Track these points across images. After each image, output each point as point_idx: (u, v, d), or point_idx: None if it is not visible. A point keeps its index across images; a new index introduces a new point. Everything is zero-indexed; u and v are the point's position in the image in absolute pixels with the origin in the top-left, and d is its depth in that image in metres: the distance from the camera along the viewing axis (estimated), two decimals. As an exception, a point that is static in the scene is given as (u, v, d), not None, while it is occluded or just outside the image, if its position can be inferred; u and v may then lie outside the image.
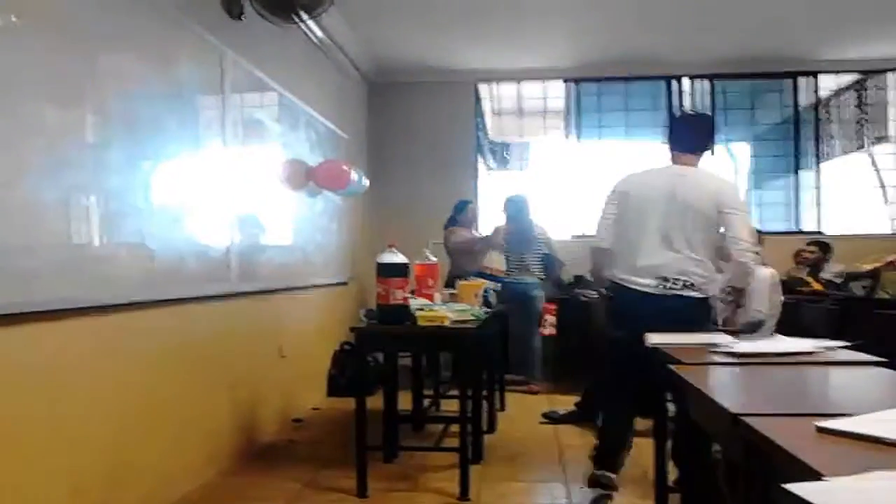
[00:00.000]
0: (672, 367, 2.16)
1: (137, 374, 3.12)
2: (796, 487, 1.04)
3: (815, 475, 1.10)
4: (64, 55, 2.62)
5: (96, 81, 2.82)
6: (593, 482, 3.33)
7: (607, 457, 3.37)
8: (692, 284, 3.28)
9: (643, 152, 7.83)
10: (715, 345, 2.59)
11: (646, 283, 3.32)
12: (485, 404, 4.49)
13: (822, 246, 6.50)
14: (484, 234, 6.54)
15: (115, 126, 2.93)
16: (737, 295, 3.71)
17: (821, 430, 1.35)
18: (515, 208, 6.17)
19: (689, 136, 3.51)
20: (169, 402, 3.38)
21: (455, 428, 3.95)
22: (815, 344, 2.50)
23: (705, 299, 3.36)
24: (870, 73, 7.59)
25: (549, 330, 6.51)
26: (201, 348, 3.71)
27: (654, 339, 2.85)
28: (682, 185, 3.33)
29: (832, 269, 6.29)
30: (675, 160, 3.47)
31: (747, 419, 1.44)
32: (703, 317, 3.36)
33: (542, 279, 6.11)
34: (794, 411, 1.54)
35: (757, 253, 3.42)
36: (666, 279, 3.29)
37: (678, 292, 3.29)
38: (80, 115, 2.73)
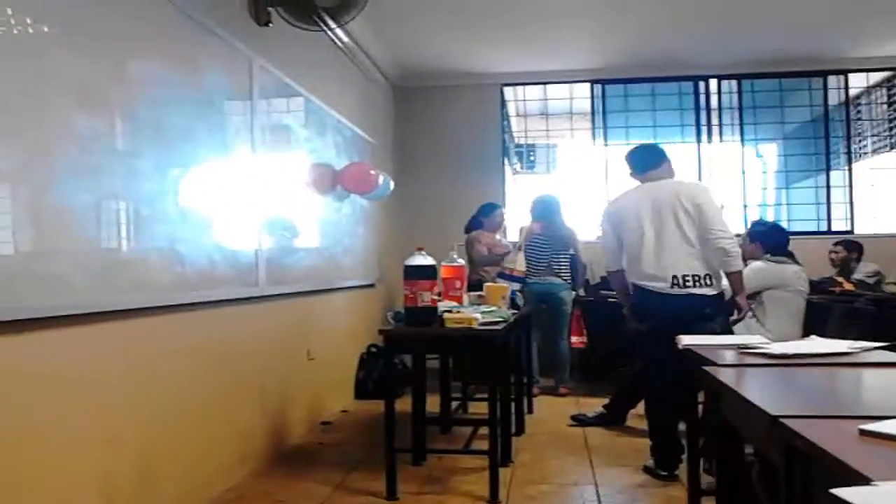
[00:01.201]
0: (706, 368, 2.13)
1: (168, 376, 3.14)
2: (846, 492, 1.02)
3: (862, 479, 1.08)
4: (93, 63, 2.64)
5: (126, 88, 2.84)
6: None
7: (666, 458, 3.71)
8: (702, 280, 3.61)
9: (671, 154, 7.80)
10: (748, 346, 2.56)
11: (660, 286, 3.65)
12: (513, 406, 4.46)
13: (849, 245, 6.40)
14: (510, 240, 6.51)
15: (144, 132, 2.95)
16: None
17: (864, 432, 1.32)
18: (543, 209, 6.13)
19: (646, 159, 4.00)
20: (200, 404, 3.40)
21: (484, 430, 3.93)
22: (851, 345, 2.47)
23: (719, 294, 3.69)
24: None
25: (578, 340, 6.40)
26: (231, 351, 3.74)
27: (686, 340, 2.82)
28: (660, 191, 3.76)
29: (864, 270, 6.19)
30: (644, 180, 3.91)
31: (787, 421, 1.41)
32: (720, 311, 3.69)
33: (567, 281, 6.05)
34: (834, 413, 1.52)
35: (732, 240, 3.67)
36: (676, 277, 3.61)
37: (692, 291, 3.61)
38: (109, 122, 2.75)
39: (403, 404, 4.20)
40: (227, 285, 3.61)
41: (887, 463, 1.16)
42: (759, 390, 1.86)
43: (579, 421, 4.95)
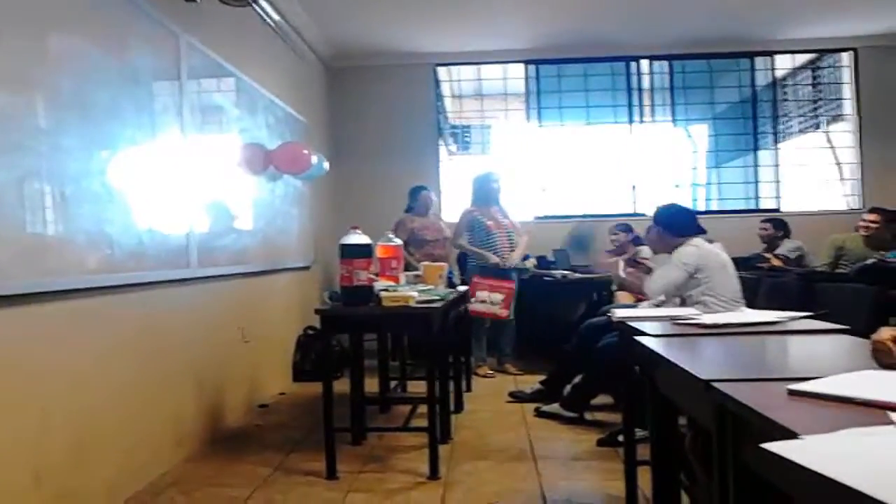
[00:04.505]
0: (639, 338, 2.17)
1: (98, 360, 3.05)
2: (774, 446, 1.05)
3: (790, 435, 1.11)
4: (11, 38, 2.53)
5: (47, 64, 2.74)
6: None
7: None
8: None
9: (602, 134, 7.92)
10: (679, 317, 2.62)
11: None
12: (451, 384, 4.48)
13: (776, 223, 6.59)
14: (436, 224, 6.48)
15: (68, 111, 2.85)
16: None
17: (792, 392, 1.36)
18: (483, 186, 6.13)
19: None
20: (132, 388, 3.32)
21: (423, 409, 3.94)
22: (779, 314, 2.54)
23: None
24: (824, 52, 7.70)
25: (500, 310, 5.94)
26: (164, 334, 3.66)
27: (619, 312, 2.87)
28: None
29: (788, 246, 6.39)
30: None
31: (718, 385, 1.45)
32: None
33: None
34: (763, 376, 1.56)
35: None
36: None
37: None
38: (30, 99, 2.65)
39: (342, 385, 4.18)
40: (156, 267, 3.52)
41: (813, 419, 1.20)
42: (691, 358, 1.90)
43: (518, 398, 5.00)
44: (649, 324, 2.50)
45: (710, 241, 3.99)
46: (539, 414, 4.59)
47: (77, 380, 2.90)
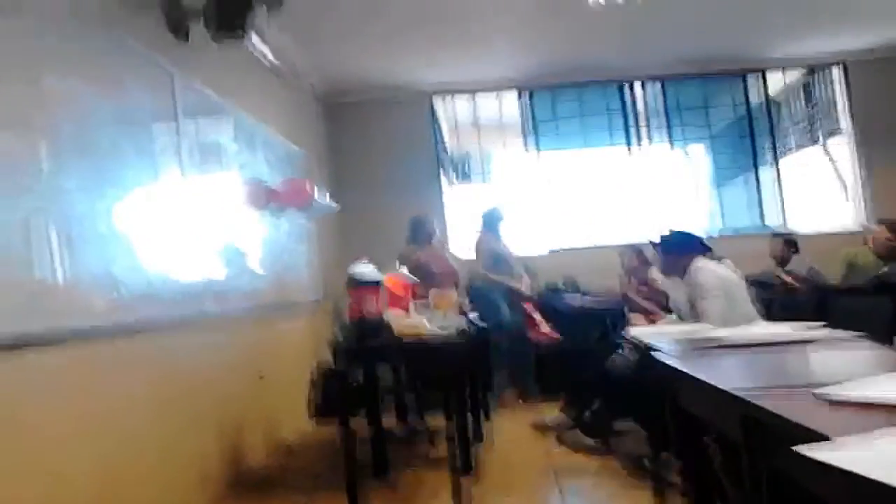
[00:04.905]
0: (657, 354, 2.17)
1: (113, 405, 3.04)
2: (808, 449, 1.05)
3: (822, 438, 1.11)
4: (10, 82, 2.57)
5: (46, 108, 2.77)
6: None
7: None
8: None
9: (601, 159, 7.95)
10: (696, 334, 2.62)
11: None
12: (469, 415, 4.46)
13: (786, 240, 6.58)
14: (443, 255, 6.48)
15: (68, 153, 2.86)
16: None
17: (818, 396, 1.37)
18: (493, 218, 6.18)
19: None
20: (150, 433, 3.30)
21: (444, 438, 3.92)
22: (794, 326, 2.54)
23: None
24: (814, 67, 7.76)
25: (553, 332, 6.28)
26: (179, 377, 3.65)
27: (633, 331, 2.87)
28: None
29: (800, 263, 6.38)
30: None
31: (743, 394, 1.45)
32: None
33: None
34: (787, 384, 1.57)
35: None
36: None
37: None
38: (31, 142, 2.67)
39: (360, 420, 4.16)
40: (167, 307, 3.52)
41: (844, 422, 1.20)
42: (713, 371, 1.90)
43: (538, 426, 4.96)
44: (666, 341, 2.50)
45: (720, 259, 4.01)
46: (561, 441, 4.56)
47: (91, 429, 2.87)
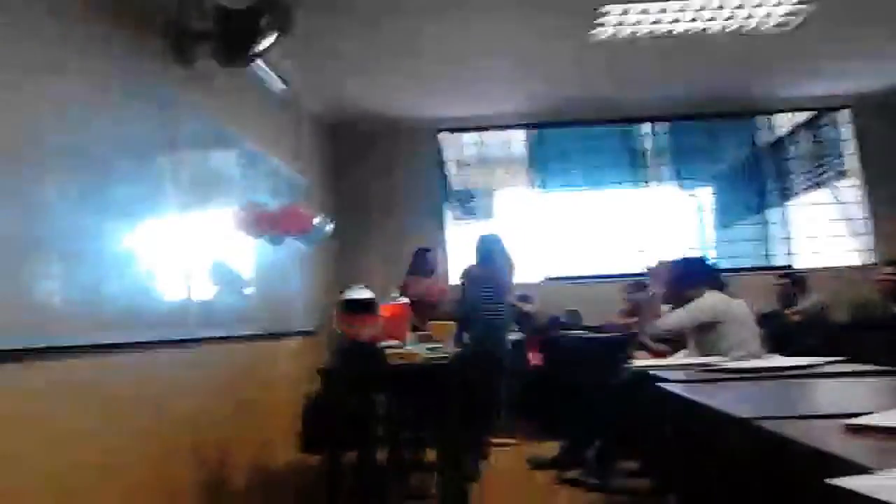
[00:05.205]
0: (668, 385, 2.01)
1: (86, 426, 2.87)
2: (849, 482, 0.91)
3: (857, 469, 0.97)
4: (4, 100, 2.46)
5: (40, 124, 2.66)
6: None
7: None
8: None
9: (607, 197, 7.85)
10: (706, 364, 2.47)
11: None
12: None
13: (793, 278, 6.46)
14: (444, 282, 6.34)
15: (59, 171, 2.74)
16: None
17: (850, 427, 1.22)
18: (487, 249, 6.00)
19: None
20: (122, 459, 3.12)
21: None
22: (811, 360, 2.39)
23: None
24: (822, 110, 7.68)
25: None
26: (164, 395, 3.47)
27: (639, 362, 2.71)
28: None
29: (808, 300, 6.25)
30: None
31: (766, 423, 1.30)
32: None
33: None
34: (813, 413, 1.42)
35: None
36: None
37: None
38: (21, 158, 2.55)
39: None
40: (151, 328, 3.36)
41: (881, 453, 1.06)
42: (730, 400, 1.74)
43: (537, 464, 4.77)
44: (676, 372, 2.35)
45: (732, 297, 3.88)
46: (561, 482, 4.38)
47: (57, 450, 2.71)
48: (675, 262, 3.88)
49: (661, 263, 5.84)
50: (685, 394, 1.83)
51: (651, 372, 2.43)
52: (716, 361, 2.53)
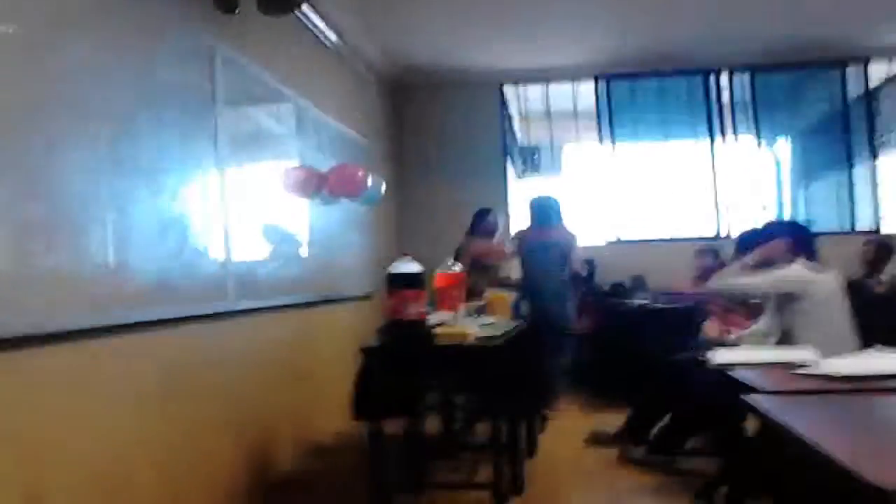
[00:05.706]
0: (756, 398, 1.71)
1: (128, 405, 2.72)
2: None
3: None
4: (33, 54, 2.27)
5: (67, 79, 2.45)
6: None
7: None
8: None
9: (680, 153, 7.41)
10: (796, 363, 2.15)
11: None
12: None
13: (879, 244, 5.99)
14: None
15: (82, 124, 2.52)
16: None
17: None
18: (543, 211, 5.72)
19: None
20: (166, 439, 2.97)
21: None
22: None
23: None
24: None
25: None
26: (202, 373, 3.30)
27: (719, 357, 2.41)
28: None
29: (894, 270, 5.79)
30: None
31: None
32: None
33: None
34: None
35: None
36: None
37: None
38: (41, 111, 2.34)
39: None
40: (190, 301, 3.17)
41: None
42: (832, 434, 1.42)
43: (598, 440, 4.51)
44: (758, 373, 2.03)
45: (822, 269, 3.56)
46: (623, 461, 4.12)
47: (97, 431, 2.55)
48: (773, 225, 3.63)
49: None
50: (778, 418, 1.51)
51: (730, 372, 2.12)
52: (810, 359, 2.20)
